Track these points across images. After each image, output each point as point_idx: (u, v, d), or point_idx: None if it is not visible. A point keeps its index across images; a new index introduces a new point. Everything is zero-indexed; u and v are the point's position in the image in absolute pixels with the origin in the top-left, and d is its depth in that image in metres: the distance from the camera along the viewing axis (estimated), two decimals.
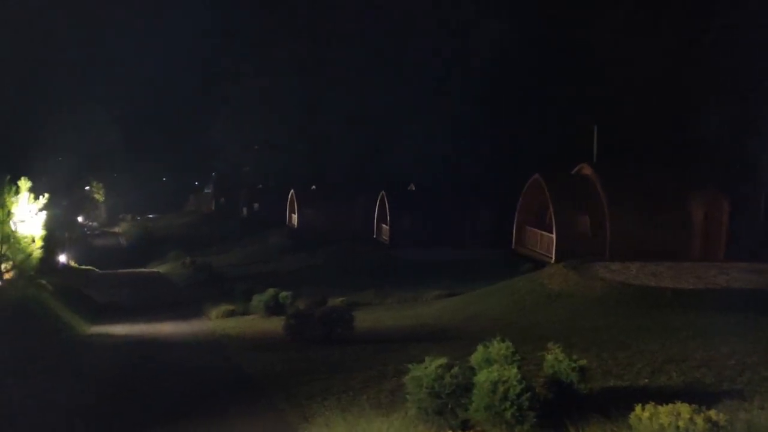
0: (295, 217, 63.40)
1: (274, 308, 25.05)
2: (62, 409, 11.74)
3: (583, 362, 9.33)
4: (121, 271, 50.56)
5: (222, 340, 19.67)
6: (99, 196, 78.43)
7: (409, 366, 9.28)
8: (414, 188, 56.30)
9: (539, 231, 31.21)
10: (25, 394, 12.61)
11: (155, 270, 51.35)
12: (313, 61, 71.57)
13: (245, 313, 26.29)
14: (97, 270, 49.40)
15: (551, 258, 28.88)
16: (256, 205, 77.08)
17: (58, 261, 41.95)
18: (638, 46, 46.12)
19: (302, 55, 72.50)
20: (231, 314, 26.31)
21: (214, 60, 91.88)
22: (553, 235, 29.18)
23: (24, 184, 22.30)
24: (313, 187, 65.93)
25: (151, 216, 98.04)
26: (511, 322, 21.16)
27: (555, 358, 9.27)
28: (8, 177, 21.35)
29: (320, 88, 71.45)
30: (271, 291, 25.69)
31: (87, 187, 75.11)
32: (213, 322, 24.93)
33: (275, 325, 22.97)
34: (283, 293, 25.63)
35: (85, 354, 17.83)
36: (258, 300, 25.60)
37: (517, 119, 56.25)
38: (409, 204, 50.79)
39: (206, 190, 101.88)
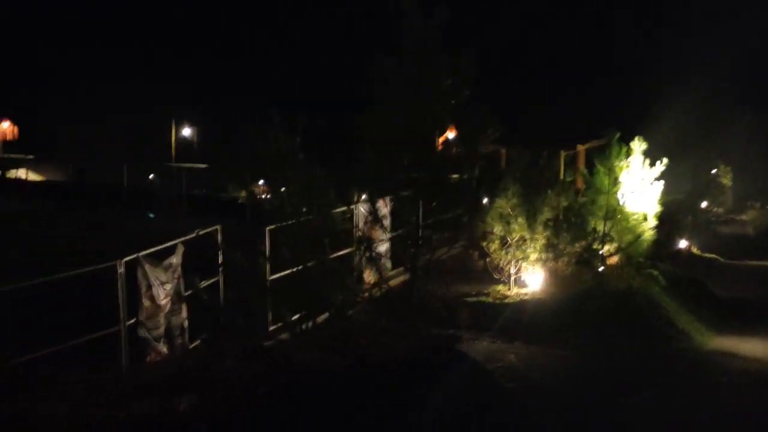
0: None
1: None
2: None
3: None
4: (748, 262, 42.72)
5: None
6: (726, 181, 70.58)
7: None
8: None
9: None
10: None
11: None
12: None
13: None
14: (720, 259, 42.86)
15: None
16: None
17: (677, 246, 37.08)
18: None
19: None
20: None
21: None
22: None
23: (637, 144, 17.57)
24: None
25: None
26: None
27: None
28: (618, 134, 16.83)
29: None
30: None
31: (713, 170, 68.26)
32: None
33: None
34: None
35: (704, 389, 11.99)
36: None
37: None
38: None
39: None
